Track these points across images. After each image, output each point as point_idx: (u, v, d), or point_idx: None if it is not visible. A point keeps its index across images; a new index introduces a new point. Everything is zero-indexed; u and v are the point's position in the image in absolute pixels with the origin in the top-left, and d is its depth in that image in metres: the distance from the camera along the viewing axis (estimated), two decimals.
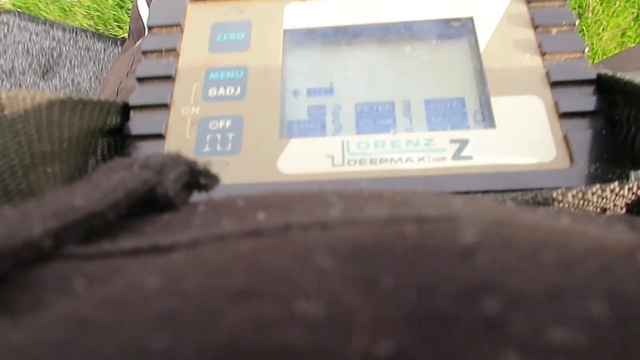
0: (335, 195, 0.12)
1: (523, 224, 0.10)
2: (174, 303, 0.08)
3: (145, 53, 0.27)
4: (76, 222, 0.11)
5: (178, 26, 0.28)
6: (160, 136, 0.25)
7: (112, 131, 0.25)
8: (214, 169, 0.17)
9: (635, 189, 0.19)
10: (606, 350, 0.06)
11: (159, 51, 0.27)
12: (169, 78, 0.27)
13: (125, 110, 0.26)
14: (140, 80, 0.27)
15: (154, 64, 0.27)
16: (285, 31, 0.28)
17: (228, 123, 0.25)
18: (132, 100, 0.26)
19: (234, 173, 0.23)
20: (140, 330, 0.07)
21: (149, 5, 0.54)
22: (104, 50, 0.68)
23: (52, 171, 0.22)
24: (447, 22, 0.27)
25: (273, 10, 0.29)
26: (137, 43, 0.50)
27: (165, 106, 0.26)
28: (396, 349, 0.06)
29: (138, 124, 0.25)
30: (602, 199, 0.19)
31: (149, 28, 0.28)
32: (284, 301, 0.07)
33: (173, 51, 0.27)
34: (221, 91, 0.26)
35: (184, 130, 0.25)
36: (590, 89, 0.24)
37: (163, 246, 0.11)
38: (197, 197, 0.16)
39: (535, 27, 0.26)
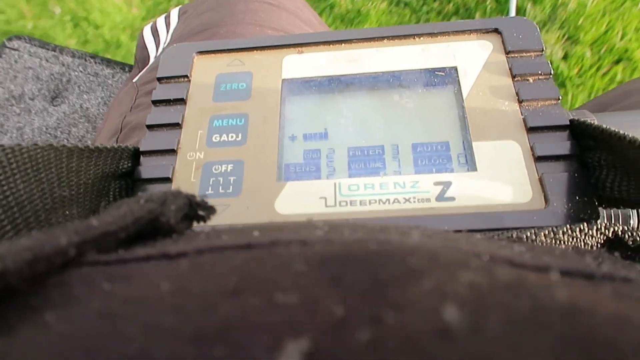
0: (323, 223, 0.15)
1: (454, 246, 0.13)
2: (181, 299, 0.10)
3: (155, 102, 0.30)
4: (93, 238, 0.14)
5: (185, 77, 0.31)
6: (167, 179, 0.27)
7: (123, 175, 0.28)
8: (214, 208, 0.19)
9: (602, 229, 0.21)
10: None
11: (168, 101, 0.30)
12: (176, 125, 0.29)
13: (136, 154, 0.28)
14: (150, 127, 0.29)
15: (162, 112, 0.29)
16: (284, 81, 0.30)
17: (230, 167, 0.27)
18: (142, 146, 0.28)
19: (235, 214, 0.25)
20: (155, 316, 0.10)
21: (153, 35, 0.56)
22: (112, 76, 0.70)
23: (69, 214, 0.24)
24: (432, 71, 0.29)
25: (272, 62, 0.31)
26: (139, 75, 0.52)
27: (172, 152, 0.28)
28: (347, 314, 0.09)
29: (147, 168, 0.27)
30: (573, 238, 0.21)
31: (159, 80, 0.31)
32: (266, 295, 0.10)
33: (180, 100, 0.30)
34: (224, 137, 0.28)
35: (189, 174, 0.27)
36: (564, 134, 0.26)
37: (172, 254, 0.13)
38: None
39: (514, 76, 0.28)
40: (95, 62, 0.69)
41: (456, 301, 0.09)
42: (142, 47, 0.55)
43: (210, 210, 0.19)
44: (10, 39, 0.68)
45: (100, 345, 0.09)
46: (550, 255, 0.14)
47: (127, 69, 0.69)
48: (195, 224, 0.19)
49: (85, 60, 0.69)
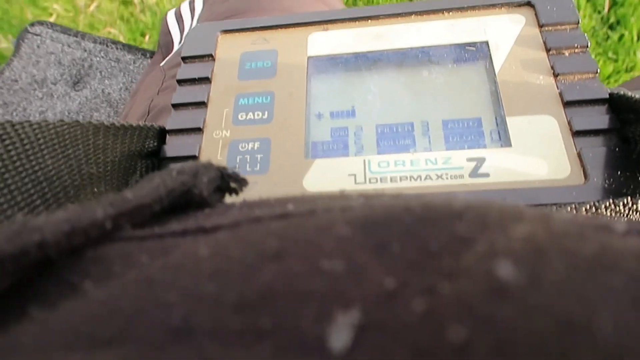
0: (358, 193, 0.14)
1: (503, 204, 0.12)
2: (221, 264, 0.10)
3: (180, 82, 0.30)
4: (129, 211, 0.13)
5: (210, 56, 0.30)
6: (194, 157, 0.27)
7: (150, 154, 0.27)
8: (246, 180, 0.19)
9: None
10: None
11: (193, 80, 0.29)
12: (202, 104, 0.29)
13: (162, 134, 0.28)
14: (175, 106, 0.29)
15: (187, 91, 0.29)
16: (309, 58, 0.30)
17: (257, 145, 0.27)
18: (168, 125, 0.28)
19: (262, 192, 0.25)
20: (195, 282, 0.09)
21: (177, 21, 0.56)
22: (134, 62, 0.70)
23: (98, 191, 0.24)
24: (462, 46, 0.29)
25: (298, 39, 0.31)
26: (165, 59, 0.52)
27: (198, 130, 0.28)
28: (398, 285, 0.08)
29: (174, 147, 0.27)
30: (616, 213, 0.20)
31: (183, 59, 0.30)
32: (309, 260, 0.09)
33: (205, 79, 0.29)
34: (250, 115, 0.28)
35: (215, 152, 0.27)
36: (603, 108, 0.25)
37: (208, 227, 0.13)
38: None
39: (548, 50, 0.27)
40: (117, 48, 0.69)
41: (510, 257, 0.09)
42: (166, 33, 0.55)
43: (242, 182, 0.18)
44: (32, 25, 0.69)
45: (139, 311, 0.09)
46: (606, 218, 0.13)
47: (148, 55, 0.69)
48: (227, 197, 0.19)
49: (107, 46, 0.69)
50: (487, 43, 0.28)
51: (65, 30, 0.69)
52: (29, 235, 0.11)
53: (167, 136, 0.28)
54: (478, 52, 0.28)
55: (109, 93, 0.66)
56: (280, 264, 0.10)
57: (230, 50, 0.31)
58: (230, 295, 0.09)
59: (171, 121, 0.28)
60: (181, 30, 0.54)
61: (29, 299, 0.11)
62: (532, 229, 0.09)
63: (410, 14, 0.30)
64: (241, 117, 0.28)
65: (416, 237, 0.10)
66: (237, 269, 0.10)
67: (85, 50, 0.68)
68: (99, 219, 0.12)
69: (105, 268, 0.12)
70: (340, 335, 0.07)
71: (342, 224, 0.10)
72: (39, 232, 0.11)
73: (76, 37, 0.68)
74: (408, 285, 0.08)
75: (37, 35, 0.67)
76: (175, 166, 0.17)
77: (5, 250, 0.10)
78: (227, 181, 0.18)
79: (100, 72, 0.67)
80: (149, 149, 0.27)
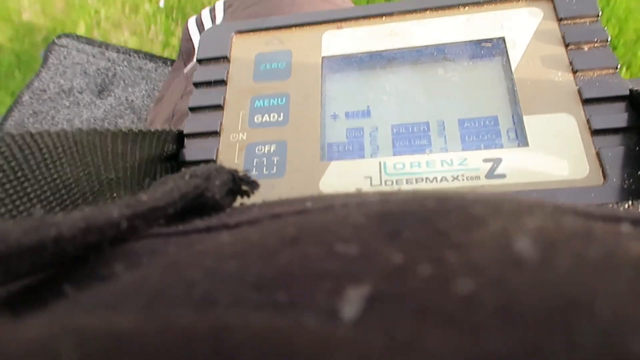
0: (374, 192, 0.15)
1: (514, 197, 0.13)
2: (242, 248, 0.11)
3: (196, 85, 0.30)
4: (144, 212, 0.14)
5: (225, 58, 0.31)
6: (212, 161, 0.27)
7: (168, 157, 0.28)
8: (257, 182, 0.19)
9: None
10: None
11: (209, 82, 0.30)
12: (218, 107, 0.29)
13: (181, 137, 0.28)
14: (193, 109, 0.29)
15: (204, 94, 0.29)
16: (324, 58, 0.30)
17: (273, 148, 0.27)
18: (186, 129, 0.28)
19: (279, 196, 0.25)
20: (217, 262, 0.10)
21: (199, 27, 0.57)
22: (155, 69, 0.73)
23: (117, 196, 0.24)
24: (478, 43, 0.28)
25: (312, 39, 0.31)
26: (189, 66, 0.53)
27: (215, 133, 0.28)
28: (406, 259, 0.09)
29: (191, 150, 0.28)
30: None
31: (199, 61, 0.31)
32: (325, 245, 0.10)
33: (221, 82, 0.30)
34: (266, 118, 0.28)
35: (233, 155, 0.27)
36: (623, 105, 0.24)
37: (230, 224, 0.13)
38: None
39: (567, 45, 0.26)
40: (139, 57, 0.72)
41: (527, 236, 0.09)
42: (187, 39, 0.56)
43: (253, 185, 0.19)
44: (59, 37, 0.72)
45: (165, 289, 0.10)
46: (617, 211, 0.14)
47: (169, 63, 0.72)
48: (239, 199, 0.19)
49: (130, 55, 0.71)
50: (503, 39, 0.28)
51: (90, 42, 0.72)
52: (46, 230, 0.11)
53: (185, 140, 0.28)
54: (494, 48, 0.28)
55: (132, 100, 0.68)
56: (297, 248, 0.10)
57: (244, 51, 0.31)
58: (250, 274, 0.10)
59: (188, 124, 0.28)
60: None
61: (63, 282, 0.12)
62: (544, 224, 0.10)
63: (425, 10, 0.30)
64: (257, 119, 0.28)
65: (428, 223, 0.10)
66: (256, 252, 0.10)
67: (109, 60, 0.71)
68: (115, 219, 0.13)
69: (135, 258, 0.13)
70: (351, 307, 0.08)
71: (359, 215, 0.11)
72: (55, 227, 0.12)
73: (100, 47, 0.71)
74: (415, 257, 0.09)
75: (63, 47, 0.70)
76: (187, 170, 0.18)
77: (22, 242, 0.11)
78: (239, 184, 0.18)
79: (124, 80, 0.70)
80: (168, 153, 0.28)
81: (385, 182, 0.25)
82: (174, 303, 0.09)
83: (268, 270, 0.10)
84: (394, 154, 0.26)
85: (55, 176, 0.21)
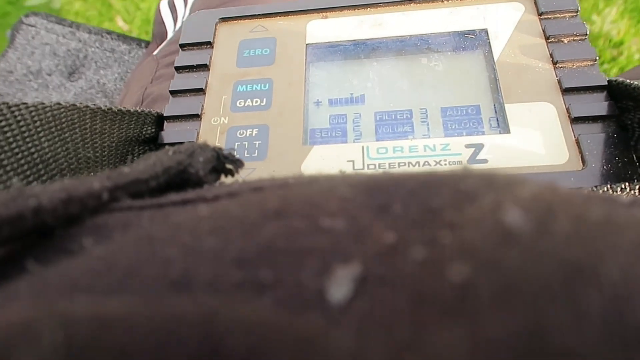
0: (358, 172, 0.14)
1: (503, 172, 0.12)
2: (221, 222, 0.10)
3: (178, 69, 0.29)
4: (125, 184, 0.14)
5: (208, 44, 0.30)
6: None
7: (147, 140, 0.27)
8: (242, 161, 0.19)
9: None
10: None
11: (191, 67, 0.29)
12: (200, 91, 0.28)
13: (160, 120, 0.28)
14: (174, 93, 0.29)
15: (186, 78, 0.29)
16: (308, 45, 0.30)
17: (255, 132, 0.26)
18: (166, 112, 0.28)
19: (260, 177, 0.25)
20: (195, 238, 0.09)
21: (171, 10, 0.56)
22: (129, 52, 0.70)
23: (94, 175, 0.24)
24: (461, 34, 0.29)
25: (296, 27, 0.30)
26: (159, 48, 0.52)
27: (197, 117, 0.27)
28: (398, 238, 0.08)
29: (171, 133, 0.27)
30: None
31: (181, 46, 0.30)
32: (310, 218, 0.09)
33: (204, 67, 0.29)
34: (248, 102, 0.28)
35: (214, 138, 0.27)
36: (601, 95, 0.25)
37: (208, 197, 0.13)
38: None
39: (547, 38, 0.27)
40: (112, 38, 0.68)
41: (519, 207, 0.09)
42: (160, 22, 0.55)
43: (238, 163, 0.18)
44: (27, 16, 0.68)
45: (139, 266, 0.09)
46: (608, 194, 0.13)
47: (143, 45, 0.69)
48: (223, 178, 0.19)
49: (102, 36, 0.68)
50: (486, 31, 0.28)
51: (60, 21, 0.68)
52: (25, 201, 0.11)
53: (165, 122, 0.28)
54: (477, 39, 0.28)
55: (104, 83, 0.65)
56: (281, 221, 0.10)
57: (228, 38, 0.31)
58: (231, 250, 0.09)
59: (169, 107, 0.28)
60: (174, 19, 0.54)
61: (27, 257, 0.11)
62: (540, 191, 0.09)
63: (409, 1, 0.30)
64: (239, 104, 0.28)
65: (418, 197, 0.10)
66: (237, 226, 0.10)
67: (80, 41, 0.67)
68: (96, 190, 0.13)
69: (106, 232, 0.12)
70: (339, 288, 0.08)
71: (345, 187, 0.10)
72: (35, 198, 0.11)
73: (71, 27, 0.68)
74: (408, 238, 0.08)
75: (31, 26, 0.67)
76: (171, 147, 0.17)
77: (1, 214, 0.10)
78: (223, 162, 0.18)
79: (96, 62, 0.67)
80: (146, 135, 0.27)
81: (368, 165, 0.24)
82: (149, 283, 0.09)
83: (250, 246, 0.09)
84: (377, 140, 0.26)
85: (32, 150, 0.21)
